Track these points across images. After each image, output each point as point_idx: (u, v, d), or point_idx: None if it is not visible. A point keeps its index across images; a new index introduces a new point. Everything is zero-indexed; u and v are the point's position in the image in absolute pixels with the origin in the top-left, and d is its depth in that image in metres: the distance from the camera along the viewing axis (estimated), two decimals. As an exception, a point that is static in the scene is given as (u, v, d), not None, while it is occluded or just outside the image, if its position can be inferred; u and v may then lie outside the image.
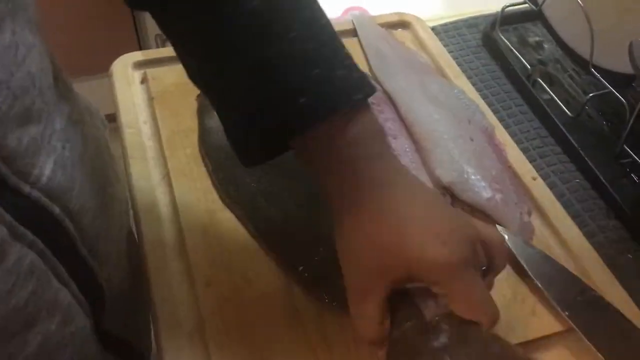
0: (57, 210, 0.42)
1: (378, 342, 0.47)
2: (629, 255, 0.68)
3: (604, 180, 0.74)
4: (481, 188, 0.65)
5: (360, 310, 0.47)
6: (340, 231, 0.48)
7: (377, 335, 0.47)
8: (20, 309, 0.39)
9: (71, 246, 0.45)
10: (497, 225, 0.62)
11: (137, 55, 0.77)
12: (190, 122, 0.70)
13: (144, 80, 0.75)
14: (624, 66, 0.73)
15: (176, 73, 0.76)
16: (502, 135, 0.73)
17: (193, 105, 0.72)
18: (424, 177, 0.66)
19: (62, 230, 0.43)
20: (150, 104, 0.73)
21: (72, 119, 0.46)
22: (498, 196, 0.64)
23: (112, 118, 0.72)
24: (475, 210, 0.65)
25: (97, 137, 0.55)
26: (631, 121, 0.73)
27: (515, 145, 0.73)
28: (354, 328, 0.48)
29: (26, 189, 0.39)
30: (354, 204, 0.47)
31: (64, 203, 0.43)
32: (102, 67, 0.82)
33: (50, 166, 0.41)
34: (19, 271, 0.38)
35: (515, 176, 0.69)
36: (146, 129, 0.70)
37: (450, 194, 0.65)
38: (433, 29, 0.93)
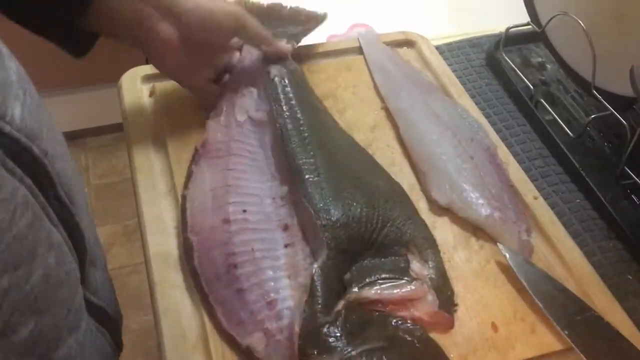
0: (35, 150, 0.45)
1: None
2: (629, 276, 0.68)
3: (604, 201, 0.74)
4: (479, 206, 0.66)
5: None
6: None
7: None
8: (22, 238, 0.41)
9: (53, 188, 0.48)
10: (498, 244, 0.63)
11: (146, 69, 0.78)
12: (197, 136, 0.71)
13: (152, 94, 0.76)
14: (625, 89, 0.74)
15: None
16: (505, 155, 0.74)
17: (200, 119, 0.73)
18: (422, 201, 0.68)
19: (44, 170, 0.46)
20: (158, 117, 0.74)
21: (21, 75, 0.49)
22: (496, 214, 0.65)
23: (119, 128, 0.73)
24: (476, 228, 0.66)
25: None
26: (632, 143, 0.74)
27: (517, 164, 0.74)
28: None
29: (6, 128, 0.42)
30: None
31: (39, 145, 0.46)
32: (109, 78, 0.83)
33: (19, 110, 0.44)
34: (16, 202, 0.41)
35: (516, 195, 0.69)
36: (154, 141, 0.71)
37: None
38: (437, 47, 0.95)
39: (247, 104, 0.72)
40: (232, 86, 0.75)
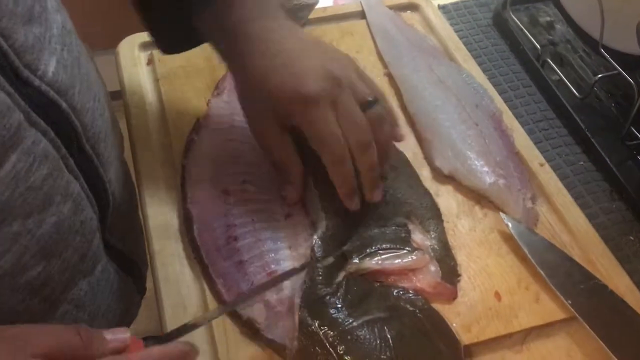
0: (63, 104, 0.47)
1: (290, 165, 0.59)
2: (631, 237, 0.68)
3: (609, 162, 0.73)
4: (484, 173, 0.65)
5: (264, 143, 0.59)
6: (235, 80, 0.60)
7: (288, 158, 0.58)
8: (37, 188, 0.44)
9: (77, 141, 0.50)
10: (501, 213, 0.62)
11: (144, 36, 0.77)
12: (196, 104, 0.70)
13: (150, 62, 0.75)
14: (633, 47, 0.72)
15: (183, 55, 0.75)
16: (510, 121, 0.73)
17: (199, 87, 0.72)
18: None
19: (69, 124, 0.48)
20: (156, 86, 0.72)
21: (66, 28, 0.51)
22: (501, 182, 0.64)
23: (118, 95, 0.72)
24: (480, 196, 0.65)
25: (86, 52, 0.59)
26: (639, 103, 0.72)
27: (523, 131, 0.73)
28: (279, 169, 0.60)
29: (36, 81, 0.44)
30: (242, 56, 0.56)
31: (68, 99, 0.48)
32: (110, 43, 0.81)
33: (54, 64, 0.46)
34: (35, 153, 0.43)
35: (521, 162, 0.68)
36: (152, 110, 0.70)
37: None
38: (444, 7, 0.92)
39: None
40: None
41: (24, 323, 0.41)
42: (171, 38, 0.65)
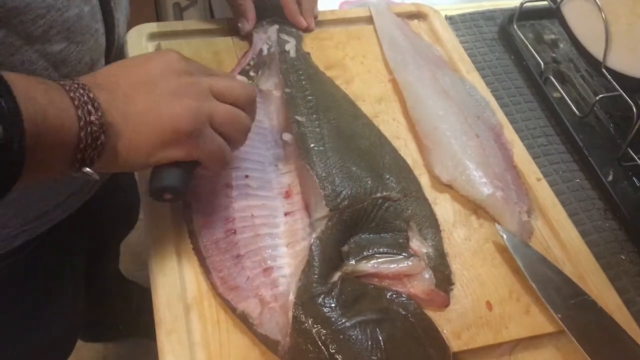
0: None
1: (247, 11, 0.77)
2: (622, 256, 0.69)
3: (604, 181, 0.74)
4: (482, 184, 0.66)
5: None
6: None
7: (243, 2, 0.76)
8: None
9: None
10: (496, 224, 0.63)
11: (152, 27, 0.77)
12: (201, 97, 0.70)
13: (157, 53, 0.75)
14: (635, 70, 0.73)
15: (190, 47, 0.76)
16: (510, 135, 0.74)
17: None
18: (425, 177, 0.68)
19: None
20: (162, 77, 0.73)
21: None
22: (498, 193, 0.65)
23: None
24: (477, 207, 0.66)
25: None
26: (638, 125, 0.73)
27: (522, 145, 0.73)
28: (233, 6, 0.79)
29: None
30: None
31: None
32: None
33: None
34: None
35: (519, 176, 0.69)
36: (157, 102, 0.71)
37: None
38: (450, 18, 0.93)
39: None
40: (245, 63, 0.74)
41: None
42: None
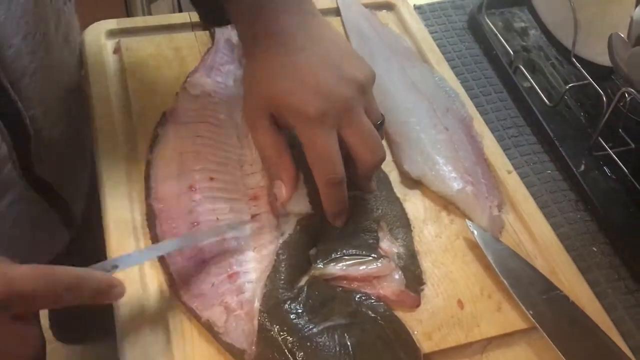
0: None
1: (282, 165, 0.56)
2: (594, 249, 0.68)
3: (575, 172, 0.74)
4: (451, 179, 0.65)
5: (257, 136, 0.57)
6: (245, 69, 0.59)
7: (279, 158, 0.56)
8: None
9: None
10: (466, 220, 0.62)
11: (111, 24, 0.75)
12: (163, 97, 0.68)
13: (116, 50, 0.73)
14: (604, 58, 0.72)
15: (151, 44, 0.74)
16: (480, 127, 0.72)
17: (168, 79, 0.70)
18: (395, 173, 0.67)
19: None
20: (122, 76, 0.70)
21: None
22: (469, 188, 0.64)
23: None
24: (447, 202, 0.65)
25: None
26: (607, 114, 0.73)
27: (493, 137, 0.72)
28: (264, 164, 0.59)
29: None
30: (260, 49, 0.56)
31: None
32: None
33: None
34: None
35: (490, 169, 0.68)
36: (117, 101, 0.68)
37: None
38: (419, 7, 0.92)
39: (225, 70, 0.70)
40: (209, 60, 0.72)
41: None
42: (203, 11, 0.66)
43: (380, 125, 0.57)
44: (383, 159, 0.56)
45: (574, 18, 0.75)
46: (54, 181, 0.65)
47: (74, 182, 0.71)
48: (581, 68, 0.78)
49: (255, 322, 0.51)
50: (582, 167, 0.75)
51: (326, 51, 0.55)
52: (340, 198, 0.55)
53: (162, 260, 0.56)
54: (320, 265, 0.55)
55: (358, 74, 0.55)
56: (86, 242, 0.73)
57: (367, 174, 0.58)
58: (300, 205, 0.58)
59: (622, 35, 0.67)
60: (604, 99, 0.73)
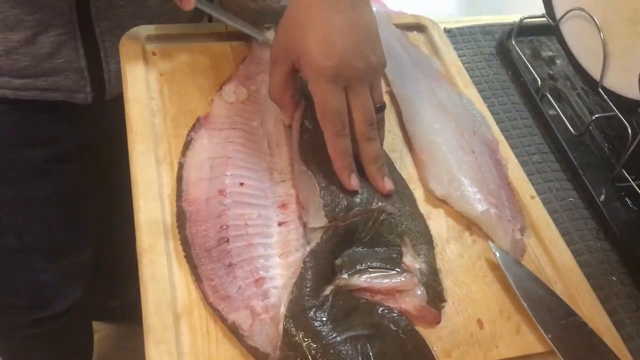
0: None
1: (281, 104, 0.65)
2: (613, 278, 0.69)
3: (598, 201, 0.75)
4: (476, 200, 0.66)
5: (272, 74, 0.63)
6: (286, 13, 0.62)
7: (280, 98, 0.64)
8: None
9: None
10: (489, 242, 0.63)
11: (150, 29, 0.76)
12: (197, 102, 0.70)
13: (154, 55, 0.74)
14: (632, 91, 0.73)
15: (187, 51, 0.76)
16: (505, 151, 0.73)
17: (202, 85, 0.72)
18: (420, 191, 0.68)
19: None
20: (158, 80, 0.72)
21: None
22: (492, 210, 0.65)
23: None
24: (470, 223, 0.66)
25: None
26: (633, 146, 0.74)
27: (517, 162, 0.73)
28: (270, 97, 0.65)
29: None
30: (305, 2, 0.60)
31: None
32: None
33: None
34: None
35: (513, 193, 0.69)
36: (152, 105, 0.70)
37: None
38: (449, 31, 0.93)
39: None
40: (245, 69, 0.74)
41: None
42: None
43: (379, 109, 0.63)
44: (372, 131, 0.61)
45: (604, 50, 0.76)
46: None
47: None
48: (607, 99, 0.79)
49: (280, 327, 0.52)
50: (604, 197, 0.75)
51: (359, 26, 0.60)
52: (345, 150, 0.60)
53: (190, 260, 0.57)
54: (345, 276, 0.56)
55: (374, 57, 0.61)
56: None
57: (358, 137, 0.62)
58: (317, 220, 0.59)
59: (652, 70, 0.68)
60: (629, 130, 0.74)
